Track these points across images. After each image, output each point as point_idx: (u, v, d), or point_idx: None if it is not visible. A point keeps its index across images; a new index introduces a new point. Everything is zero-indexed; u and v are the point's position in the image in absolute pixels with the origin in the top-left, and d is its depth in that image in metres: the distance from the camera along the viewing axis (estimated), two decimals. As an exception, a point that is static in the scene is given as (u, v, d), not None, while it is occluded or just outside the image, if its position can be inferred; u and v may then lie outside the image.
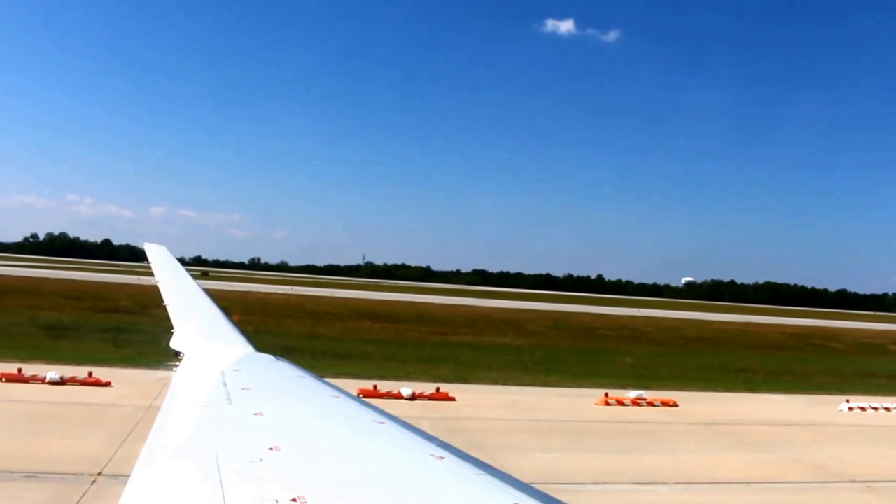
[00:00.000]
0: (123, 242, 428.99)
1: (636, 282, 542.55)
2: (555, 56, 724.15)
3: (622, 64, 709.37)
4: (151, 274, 15.13)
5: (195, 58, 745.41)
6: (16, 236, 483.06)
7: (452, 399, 33.00)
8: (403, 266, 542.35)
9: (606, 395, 35.58)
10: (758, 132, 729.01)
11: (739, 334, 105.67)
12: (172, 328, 10.52)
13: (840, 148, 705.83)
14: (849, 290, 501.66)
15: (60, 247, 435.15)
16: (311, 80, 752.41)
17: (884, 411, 38.17)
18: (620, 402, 35.03)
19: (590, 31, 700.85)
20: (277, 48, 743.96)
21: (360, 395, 26.92)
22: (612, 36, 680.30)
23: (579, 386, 40.42)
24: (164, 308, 11.97)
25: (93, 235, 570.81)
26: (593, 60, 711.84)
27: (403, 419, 5.82)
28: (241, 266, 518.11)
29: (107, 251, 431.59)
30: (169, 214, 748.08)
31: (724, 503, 21.20)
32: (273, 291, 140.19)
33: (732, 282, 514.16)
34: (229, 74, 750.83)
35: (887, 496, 22.62)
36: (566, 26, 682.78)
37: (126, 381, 31.74)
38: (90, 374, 31.60)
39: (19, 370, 31.10)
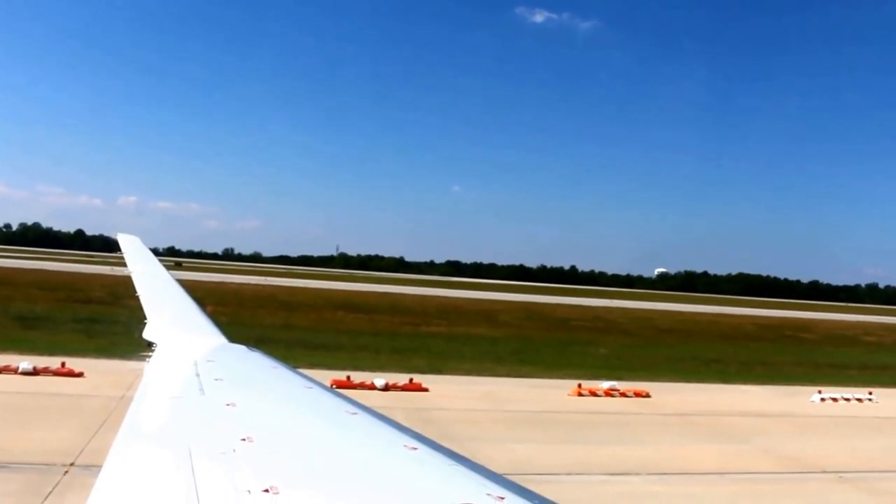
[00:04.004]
0: (97, 233, 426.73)
1: (609, 273, 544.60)
2: (528, 46, 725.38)
3: (597, 54, 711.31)
4: (125, 264, 15.06)
5: (169, 50, 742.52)
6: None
7: (426, 390, 33.02)
8: (377, 257, 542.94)
9: (580, 385, 35.66)
10: (733, 124, 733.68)
11: (712, 325, 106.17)
12: (145, 319, 10.48)
13: (814, 141, 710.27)
14: (821, 281, 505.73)
15: (33, 237, 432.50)
16: (284, 71, 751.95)
17: (856, 402, 38.45)
18: (593, 393, 35.12)
19: (564, 20, 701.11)
20: (251, 40, 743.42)
21: (334, 386, 26.90)
22: (588, 25, 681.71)
23: (553, 377, 40.49)
24: (138, 299, 11.92)
25: (66, 226, 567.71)
26: (568, 50, 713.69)
27: (377, 410, 5.83)
28: (214, 257, 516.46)
29: (80, 241, 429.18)
30: (141, 205, 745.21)
31: (698, 494, 21.29)
32: (247, 282, 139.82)
33: (705, 273, 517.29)
34: (203, 66, 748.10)
35: (859, 486, 22.78)
36: (540, 15, 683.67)
37: (99, 371, 31.59)
38: (63, 364, 31.44)
39: (-8, 361, 30.95)
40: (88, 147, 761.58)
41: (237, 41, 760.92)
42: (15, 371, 30.15)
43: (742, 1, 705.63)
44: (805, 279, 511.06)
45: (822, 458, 25.92)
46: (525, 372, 41.91)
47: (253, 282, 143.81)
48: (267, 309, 75.32)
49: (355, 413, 5.66)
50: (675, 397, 36.35)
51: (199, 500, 3.67)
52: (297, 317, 69.33)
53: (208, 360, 7.81)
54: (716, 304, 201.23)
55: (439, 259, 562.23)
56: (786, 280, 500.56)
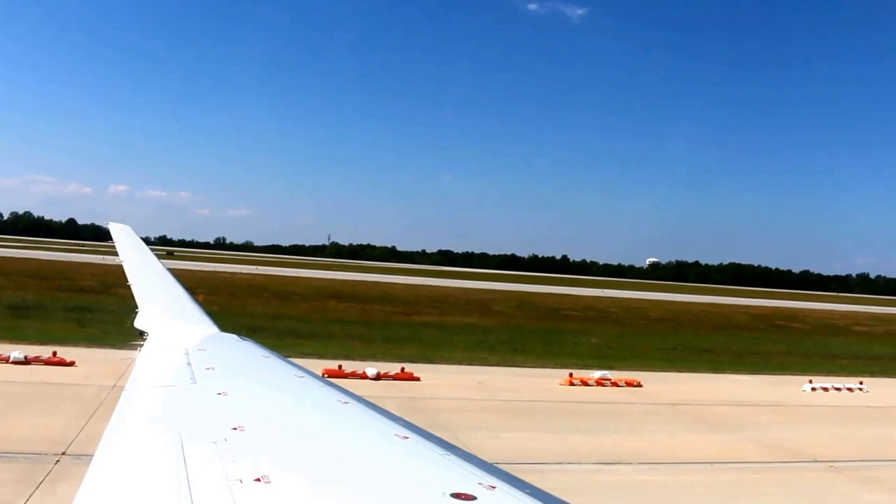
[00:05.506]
0: (88, 222, 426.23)
1: (601, 262, 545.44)
2: (521, 34, 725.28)
3: (589, 43, 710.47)
4: (116, 254, 15.04)
5: (159, 37, 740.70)
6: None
7: (417, 379, 33.03)
8: (369, 246, 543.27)
9: (571, 375, 35.70)
10: (724, 115, 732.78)
11: (703, 315, 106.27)
12: (137, 308, 10.48)
13: (806, 132, 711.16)
14: (812, 271, 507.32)
15: (24, 226, 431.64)
16: (275, 58, 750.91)
17: (846, 391, 38.54)
18: (585, 383, 35.16)
19: (557, 8, 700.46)
20: (241, 27, 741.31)
21: (325, 375, 26.91)
22: (579, 13, 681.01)
23: (544, 366, 40.52)
24: (129, 288, 11.92)
25: (57, 215, 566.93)
26: (560, 39, 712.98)
27: (368, 399, 5.84)
28: (206, 246, 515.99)
29: (71, 230, 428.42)
30: (132, 194, 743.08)
31: (688, 483, 21.34)
32: (238, 271, 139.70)
33: (697, 262, 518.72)
34: (195, 54, 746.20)
35: (850, 476, 22.84)
36: (533, 3, 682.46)
37: (90, 360, 31.55)
38: (54, 353, 31.39)
39: (-18, 350, 30.92)
40: (78, 135, 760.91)
41: (227, 28, 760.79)
42: (6, 360, 30.08)
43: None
44: (796, 269, 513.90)
45: (813, 447, 26.01)
46: (516, 361, 41.93)
47: (245, 271, 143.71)
48: (258, 298, 75.27)
49: (347, 402, 5.68)
50: (666, 387, 36.40)
51: (190, 489, 3.68)
52: (289, 306, 69.26)
53: (200, 350, 7.84)
54: (707, 293, 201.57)
55: (431, 249, 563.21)
56: (777, 270, 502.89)
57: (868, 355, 59.66)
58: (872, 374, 46.45)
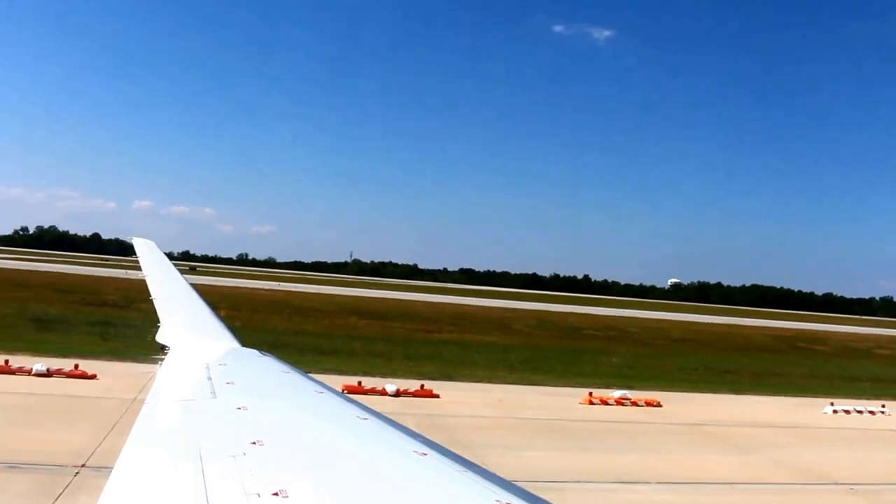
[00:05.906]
0: (112, 236, 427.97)
1: (622, 282, 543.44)
2: (543, 53, 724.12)
3: (611, 63, 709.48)
4: (139, 268, 15.12)
5: (184, 54, 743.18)
6: (6, 229, 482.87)
7: (437, 396, 33.05)
8: (391, 264, 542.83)
9: (591, 394, 35.64)
10: (747, 135, 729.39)
11: (725, 336, 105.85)
12: (159, 322, 10.53)
13: (831, 152, 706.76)
14: (835, 293, 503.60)
15: (50, 240, 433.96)
16: (298, 76, 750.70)
17: (868, 414, 38.35)
18: (605, 402, 35.09)
19: (580, 29, 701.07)
20: (266, 45, 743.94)
21: (345, 391, 26.92)
22: (603, 34, 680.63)
23: (564, 385, 40.44)
24: (152, 302, 11.98)
25: (82, 229, 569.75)
26: (582, 59, 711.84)
27: (387, 415, 5.85)
28: (228, 262, 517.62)
29: (96, 245, 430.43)
30: (156, 209, 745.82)
31: (707, 503, 21.27)
32: (260, 287, 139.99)
33: (719, 284, 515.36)
34: (219, 71, 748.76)
35: (870, 499, 22.70)
36: (556, 24, 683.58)
37: (112, 373, 31.70)
38: (76, 366, 31.58)
39: (6, 362, 31.11)
40: (104, 151, 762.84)
41: (252, 45, 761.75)
42: (29, 372, 30.29)
43: (758, 11, 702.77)
44: (819, 291, 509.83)
45: (833, 469, 25.85)
46: (536, 380, 41.88)
47: (267, 287, 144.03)
48: (280, 314, 75.42)
49: (366, 418, 5.70)
50: (686, 407, 36.28)
51: (208, 503, 3.71)
52: (310, 322, 69.39)
53: (220, 364, 7.87)
54: (729, 314, 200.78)
55: (452, 267, 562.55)
56: (799, 292, 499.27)
57: (890, 378, 59.33)
58: (894, 397, 46.15)
